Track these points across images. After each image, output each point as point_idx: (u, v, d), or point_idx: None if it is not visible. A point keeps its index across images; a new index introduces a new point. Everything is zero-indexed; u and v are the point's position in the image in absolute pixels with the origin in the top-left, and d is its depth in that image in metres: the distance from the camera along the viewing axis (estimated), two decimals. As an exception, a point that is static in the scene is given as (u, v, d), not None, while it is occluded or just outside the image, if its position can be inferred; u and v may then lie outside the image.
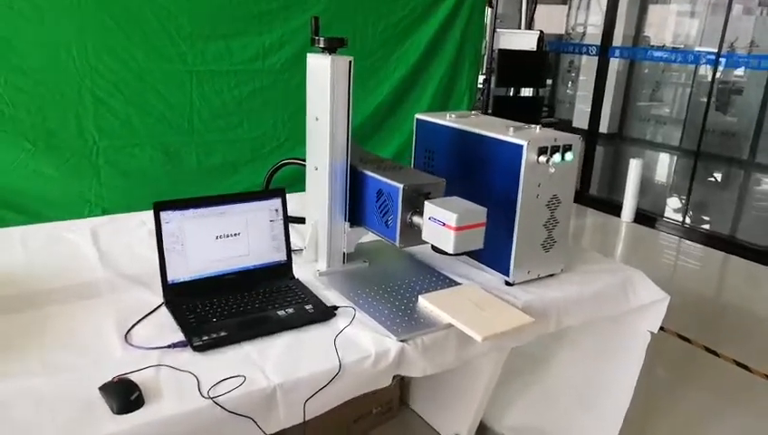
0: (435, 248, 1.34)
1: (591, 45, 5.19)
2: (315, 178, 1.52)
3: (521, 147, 1.44)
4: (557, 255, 1.59)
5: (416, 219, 1.38)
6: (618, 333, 1.70)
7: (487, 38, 4.70)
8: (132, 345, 1.18)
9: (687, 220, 4.67)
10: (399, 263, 1.63)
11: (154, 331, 1.24)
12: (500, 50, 4.67)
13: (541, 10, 5.55)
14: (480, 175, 1.57)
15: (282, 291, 1.41)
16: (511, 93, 4.82)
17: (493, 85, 4.68)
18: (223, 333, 1.22)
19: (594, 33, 5.20)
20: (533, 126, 1.58)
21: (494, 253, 1.52)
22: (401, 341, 1.24)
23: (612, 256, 4.10)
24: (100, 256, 1.59)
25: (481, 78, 4.36)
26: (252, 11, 2.72)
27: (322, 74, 1.41)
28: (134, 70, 2.54)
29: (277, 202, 1.47)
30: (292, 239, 1.50)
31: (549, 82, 5.62)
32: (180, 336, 1.21)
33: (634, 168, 4.66)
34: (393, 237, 1.42)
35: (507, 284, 1.54)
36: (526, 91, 4.97)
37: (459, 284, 1.52)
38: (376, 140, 3.17)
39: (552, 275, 1.60)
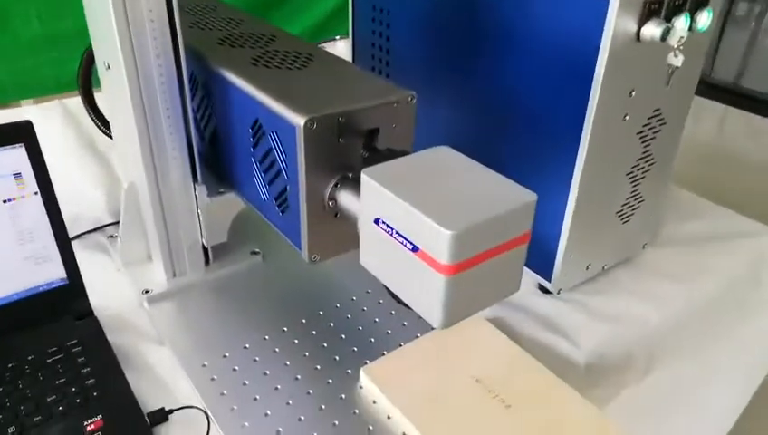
0: (395, 298, 0.52)
1: None
2: (112, 86, 0.65)
3: (603, 2, 0.58)
4: (640, 224, 0.80)
5: (344, 199, 0.55)
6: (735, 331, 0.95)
7: None
8: None
9: None
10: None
11: None
12: None
13: None
14: (497, 66, 0.72)
15: (46, 364, 0.61)
16: None
17: None
18: None
19: None
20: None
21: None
22: None
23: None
24: None
25: None
26: None
27: None
28: None
29: (18, 156, 0.61)
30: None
31: None
32: None
33: None
34: (295, 240, 0.59)
35: (543, 290, 0.76)
36: None
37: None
38: None
39: (627, 260, 0.82)
